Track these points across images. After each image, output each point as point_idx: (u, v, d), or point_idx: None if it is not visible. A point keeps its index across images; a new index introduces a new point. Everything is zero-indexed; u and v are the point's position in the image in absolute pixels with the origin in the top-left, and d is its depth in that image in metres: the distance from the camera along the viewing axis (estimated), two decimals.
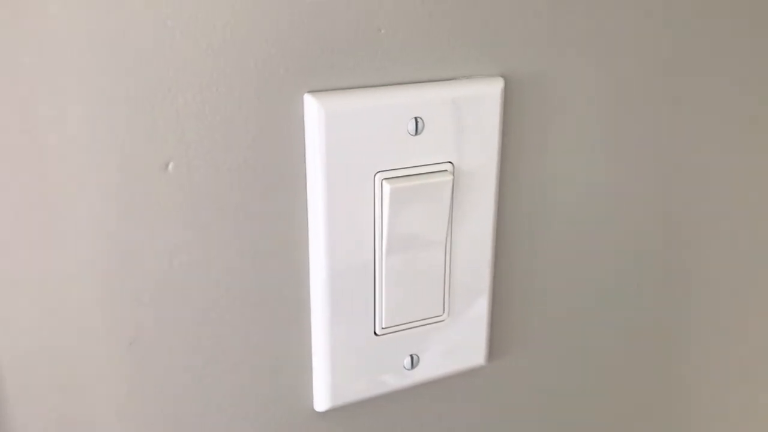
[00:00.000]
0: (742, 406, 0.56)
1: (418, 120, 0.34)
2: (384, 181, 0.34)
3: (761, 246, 0.50)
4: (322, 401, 0.37)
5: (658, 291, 0.47)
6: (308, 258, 0.35)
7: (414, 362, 0.39)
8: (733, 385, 0.55)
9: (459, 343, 0.40)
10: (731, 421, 0.56)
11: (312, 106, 0.32)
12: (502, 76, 0.36)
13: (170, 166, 0.30)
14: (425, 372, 0.40)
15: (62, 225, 0.29)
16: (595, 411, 0.49)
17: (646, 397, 0.51)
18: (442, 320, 0.39)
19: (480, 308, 0.40)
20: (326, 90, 0.32)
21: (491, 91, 0.35)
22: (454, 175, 0.36)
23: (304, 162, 0.33)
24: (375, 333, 0.37)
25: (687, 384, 0.52)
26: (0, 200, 0.28)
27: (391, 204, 0.34)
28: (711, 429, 0.55)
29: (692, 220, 0.46)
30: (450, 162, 0.36)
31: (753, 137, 0.46)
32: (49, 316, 0.30)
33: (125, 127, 0.29)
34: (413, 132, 0.34)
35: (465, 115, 0.35)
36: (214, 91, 0.30)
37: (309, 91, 0.32)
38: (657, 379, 0.50)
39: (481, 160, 0.36)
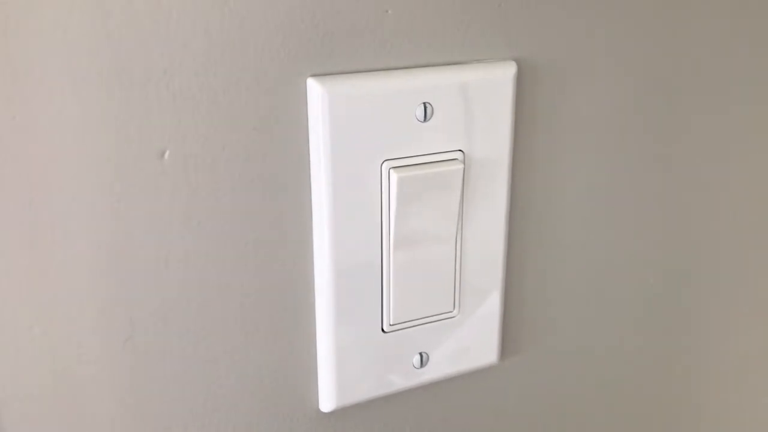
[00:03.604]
0: (748, 407, 0.54)
1: (427, 105, 0.32)
2: (391, 170, 0.32)
3: None
4: (327, 401, 0.36)
5: (675, 286, 0.45)
6: (312, 252, 0.33)
7: (423, 360, 0.37)
8: (739, 387, 0.53)
9: (470, 341, 0.38)
10: (738, 422, 0.54)
11: (315, 91, 0.30)
12: (514, 61, 0.34)
13: (166, 155, 0.29)
14: (435, 371, 0.38)
15: (53, 219, 0.28)
16: (608, 410, 0.47)
17: (658, 395, 0.49)
18: (453, 317, 0.37)
19: (492, 304, 0.38)
20: (330, 74, 0.31)
21: (503, 75, 0.34)
22: (464, 163, 0.34)
23: (308, 150, 0.31)
24: (383, 330, 0.36)
25: (697, 382, 0.50)
26: None
27: (399, 194, 0.33)
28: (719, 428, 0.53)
29: (707, 214, 0.44)
30: (461, 150, 0.34)
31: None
32: (41, 313, 0.29)
33: (118, 113, 0.28)
34: (422, 118, 0.32)
35: (476, 101, 0.33)
36: (211, 76, 0.29)
37: (312, 75, 0.30)
38: (671, 377, 0.49)
39: (493, 148, 0.35)
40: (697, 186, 0.43)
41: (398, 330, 0.36)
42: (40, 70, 0.26)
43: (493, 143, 0.35)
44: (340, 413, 0.37)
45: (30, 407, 0.30)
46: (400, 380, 0.37)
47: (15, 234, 0.27)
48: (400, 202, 0.33)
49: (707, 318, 0.48)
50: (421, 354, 0.37)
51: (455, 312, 0.37)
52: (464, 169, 0.34)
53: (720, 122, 0.42)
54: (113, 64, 0.27)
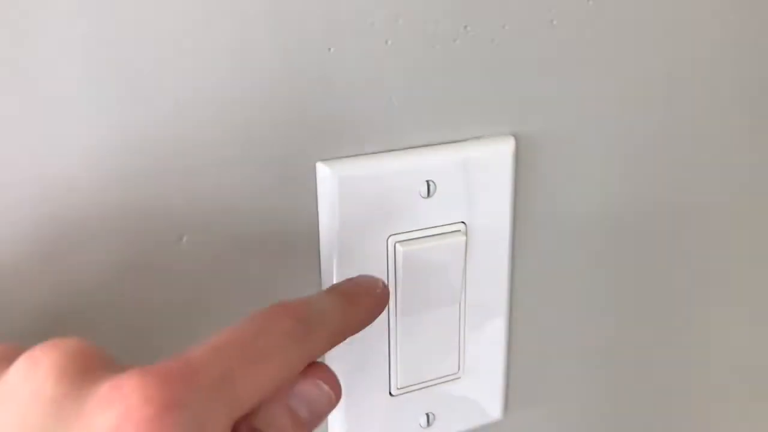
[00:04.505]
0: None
1: (430, 183, 0.34)
2: (397, 244, 0.34)
3: None
4: None
5: (678, 341, 0.47)
6: None
7: (430, 420, 0.39)
8: (751, 402, 0.54)
9: (475, 400, 0.40)
10: None
11: (324, 174, 0.32)
12: (513, 135, 0.36)
13: (184, 239, 0.31)
14: (442, 430, 0.39)
15: None
16: None
17: None
18: (458, 377, 0.39)
19: (496, 363, 0.40)
20: (338, 158, 0.32)
21: (502, 150, 0.35)
22: (467, 234, 0.36)
23: (317, 229, 0.33)
24: (390, 393, 0.37)
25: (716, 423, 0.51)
26: None
27: (405, 266, 0.34)
28: None
29: (713, 251, 0.46)
30: (463, 222, 0.35)
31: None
32: None
33: (135, 205, 0.29)
34: (425, 195, 0.34)
35: (476, 176, 0.35)
36: (227, 166, 0.30)
37: (321, 160, 0.32)
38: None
39: (495, 219, 0.36)
40: (701, 246, 0.44)
41: (405, 393, 0.37)
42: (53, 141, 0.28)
43: (495, 214, 0.36)
44: None
45: None
46: None
47: None
48: (406, 273, 0.35)
49: (722, 352, 0.49)
50: (427, 414, 0.38)
51: (460, 373, 0.38)
52: (466, 239, 0.36)
53: (721, 184, 0.43)
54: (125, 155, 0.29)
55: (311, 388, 0.24)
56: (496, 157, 0.35)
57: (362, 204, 0.33)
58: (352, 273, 0.34)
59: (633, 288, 0.43)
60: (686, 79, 0.40)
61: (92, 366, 0.20)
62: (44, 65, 0.26)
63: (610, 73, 0.37)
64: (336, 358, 0.35)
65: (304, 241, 0.33)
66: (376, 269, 0.34)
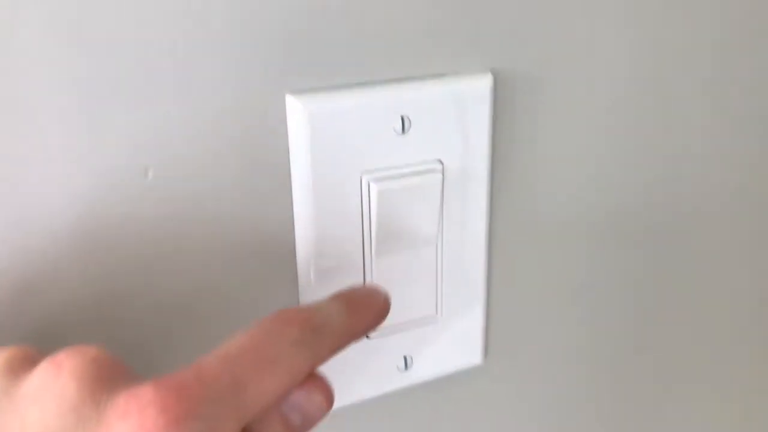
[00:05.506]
0: (742, 407, 0.56)
1: (405, 118, 0.33)
2: (371, 182, 0.33)
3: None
4: None
5: (657, 286, 0.46)
6: (296, 263, 0.34)
7: (408, 364, 0.38)
8: (730, 384, 0.54)
9: (454, 343, 0.39)
10: (731, 420, 0.56)
11: (294, 107, 0.31)
12: (491, 72, 0.35)
13: (150, 174, 0.30)
14: (420, 373, 0.39)
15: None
16: (596, 410, 0.48)
17: (646, 396, 0.50)
18: (436, 320, 0.38)
19: (475, 307, 0.39)
20: (309, 90, 0.31)
21: (480, 87, 0.35)
22: (443, 173, 0.35)
23: (289, 165, 0.32)
24: (366, 336, 0.36)
25: (687, 382, 0.51)
26: None
27: (379, 205, 0.34)
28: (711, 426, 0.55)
29: (690, 214, 0.45)
30: (439, 160, 0.35)
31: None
32: None
33: (101, 133, 0.28)
34: (400, 131, 0.33)
35: (453, 113, 0.34)
36: (193, 95, 0.29)
37: (291, 92, 0.31)
38: (659, 378, 0.50)
39: (472, 158, 0.36)
40: (685, 192, 0.44)
41: (382, 335, 0.37)
42: (23, 86, 0.27)
43: (472, 152, 0.35)
44: (328, 417, 0.38)
45: None
46: (386, 383, 0.38)
47: None
48: (380, 213, 0.34)
49: (697, 315, 0.49)
50: (405, 357, 0.38)
51: (438, 316, 0.38)
52: (443, 178, 0.35)
53: (708, 133, 0.43)
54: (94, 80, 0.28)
55: (304, 396, 0.25)
56: (473, 93, 0.34)
57: (335, 139, 0.32)
58: (326, 210, 0.33)
59: (615, 228, 0.43)
60: (676, 18, 0.39)
61: (111, 374, 0.22)
62: None
63: (593, 8, 0.36)
64: (311, 299, 0.35)
65: (276, 178, 0.32)
66: (351, 208, 0.34)
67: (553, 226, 0.41)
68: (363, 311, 0.28)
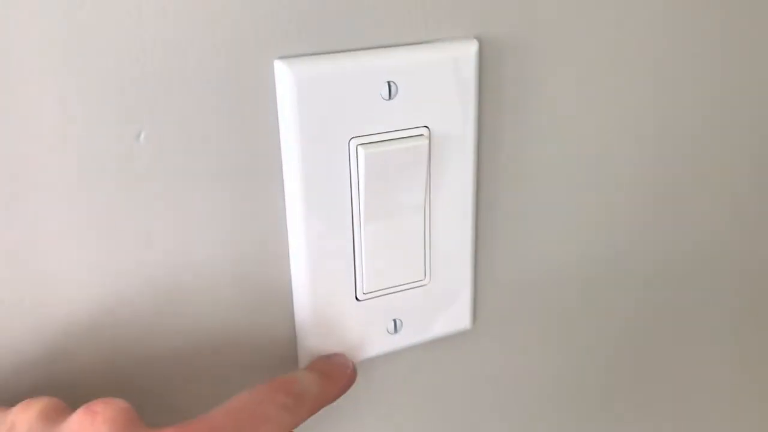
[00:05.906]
0: (723, 385, 0.56)
1: (391, 84, 0.34)
2: (359, 147, 0.34)
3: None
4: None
5: (647, 255, 0.47)
6: (286, 229, 0.35)
7: (397, 327, 0.39)
8: (714, 366, 0.55)
9: (442, 307, 0.40)
10: (723, 405, 0.57)
11: (283, 72, 0.32)
12: (477, 38, 0.35)
13: (142, 137, 0.30)
14: (409, 337, 0.40)
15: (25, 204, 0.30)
16: (584, 376, 0.49)
17: (633, 367, 0.51)
18: (424, 284, 0.39)
19: (463, 272, 0.40)
20: (296, 55, 0.32)
21: (466, 53, 0.35)
22: (430, 138, 0.36)
23: (278, 130, 0.33)
24: (357, 299, 0.37)
25: (673, 357, 0.52)
26: None
27: (367, 169, 0.34)
28: (697, 407, 0.56)
29: (682, 181, 0.46)
30: (426, 126, 0.35)
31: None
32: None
33: (92, 98, 0.29)
34: (387, 97, 0.34)
35: (440, 79, 0.35)
36: (181, 60, 0.30)
37: (279, 57, 0.32)
38: (648, 348, 0.51)
39: (459, 124, 0.36)
40: (677, 159, 0.44)
41: (372, 298, 0.38)
42: (10, 53, 0.27)
43: (459, 118, 0.36)
44: None
45: None
46: (375, 346, 0.39)
47: None
48: (368, 177, 0.35)
49: (689, 288, 0.50)
50: (394, 320, 0.39)
51: (426, 280, 0.39)
52: (430, 143, 0.36)
53: (700, 98, 0.43)
54: (84, 48, 0.28)
55: None
56: (459, 59, 0.35)
57: (323, 104, 0.33)
58: (315, 175, 0.34)
59: (609, 189, 0.43)
60: None
61: (137, 422, 0.27)
62: None
63: None
64: (303, 264, 0.35)
65: (265, 142, 0.33)
66: (339, 173, 0.34)
67: (541, 190, 0.41)
68: (334, 380, 0.35)
